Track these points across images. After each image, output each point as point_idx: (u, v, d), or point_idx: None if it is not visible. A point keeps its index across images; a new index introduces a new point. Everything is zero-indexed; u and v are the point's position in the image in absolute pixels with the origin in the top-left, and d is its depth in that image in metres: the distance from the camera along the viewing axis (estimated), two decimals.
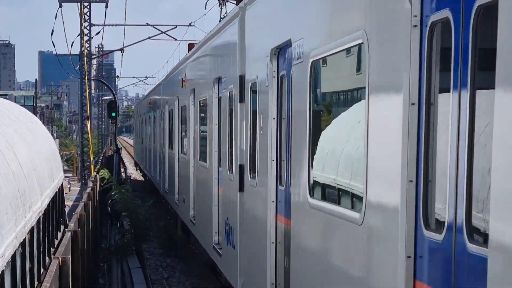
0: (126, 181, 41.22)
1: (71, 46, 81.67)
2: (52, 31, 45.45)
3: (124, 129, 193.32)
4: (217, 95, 14.90)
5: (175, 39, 49.12)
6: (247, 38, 11.81)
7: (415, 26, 5.30)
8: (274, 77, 9.68)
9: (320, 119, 7.89)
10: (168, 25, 48.17)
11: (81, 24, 48.51)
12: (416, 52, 5.33)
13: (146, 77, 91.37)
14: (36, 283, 12.65)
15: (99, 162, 44.10)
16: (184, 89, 21.12)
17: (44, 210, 14.39)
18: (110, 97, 52.53)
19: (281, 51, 9.55)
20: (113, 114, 40.36)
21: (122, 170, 45.28)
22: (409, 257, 5.43)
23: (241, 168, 11.89)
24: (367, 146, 6.18)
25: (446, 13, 4.99)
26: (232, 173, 12.73)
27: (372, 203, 6.10)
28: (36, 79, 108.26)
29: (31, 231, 12.17)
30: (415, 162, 5.38)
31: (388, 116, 5.74)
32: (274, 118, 9.69)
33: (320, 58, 7.52)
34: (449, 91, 4.95)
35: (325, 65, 7.61)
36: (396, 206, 5.56)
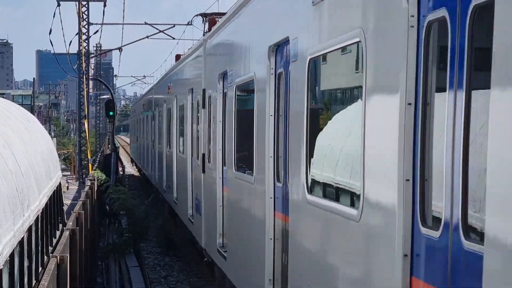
0: (123, 180, 41.20)
1: (69, 45, 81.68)
2: (50, 30, 45.42)
3: (122, 128, 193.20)
4: (191, 102, 19.17)
5: (174, 38, 49.10)
6: (206, 64, 16.18)
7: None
8: (221, 93, 12.81)
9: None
10: (166, 24, 48.29)
11: (79, 23, 48.44)
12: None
13: (144, 76, 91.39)
14: (34, 281, 12.66)
15: (97, 161, 44.10)
16: (170, 95, 25.41)
17: (42, 209, 14.40)
18: (108, 96, 52.50)
19: (225, 75, 13.41)
20: (111, 113, 40.34)
21: (120, 169, 45.25)
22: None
23: (204, 155, 16.26)
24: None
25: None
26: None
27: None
28: (34, 78, 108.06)
29: (29, 230, 12.18)
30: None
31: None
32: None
33: (240, 85, 10.72)
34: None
35: (241, 89, 10.85)
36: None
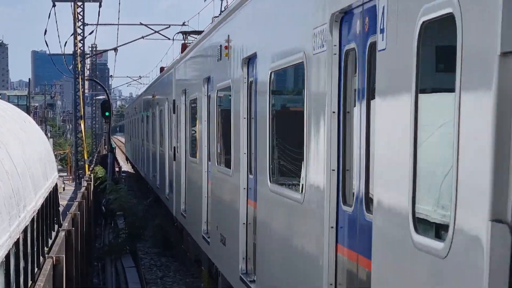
0: (120, 180, 41.19)
1: (65, 46, 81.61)
2: (46, 30, 45.39)
3: (118, 129, 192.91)
4: (167, 108, 23.90)
5: (169, 39, 49.09)
6: (174, 81, 22.19)
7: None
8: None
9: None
10: (161, 25, 48.16)
11: (75, 24, 48.48)
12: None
13: (140, 76, 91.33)
14: (30, 282, 12.65)
15: (93, 162, 44.08)
16: (154, 101, 29.95)
17: (38, 210, 14.39)
18: (103, 96, 52.51)
19: (186, 92, 19.20)
20: (107, 114, 40.34)
21: (117, 169, 45.23)
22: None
23: (174, 149, 21.75)
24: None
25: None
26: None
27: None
28: (29, 79, 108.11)
29: (25, 231, 12.17)
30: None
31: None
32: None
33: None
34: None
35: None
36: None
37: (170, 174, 23.42)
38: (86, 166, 42.11)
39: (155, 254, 25.20)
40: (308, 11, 8.05)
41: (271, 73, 9.61)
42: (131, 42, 51.01)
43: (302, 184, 8.19)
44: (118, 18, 51.70)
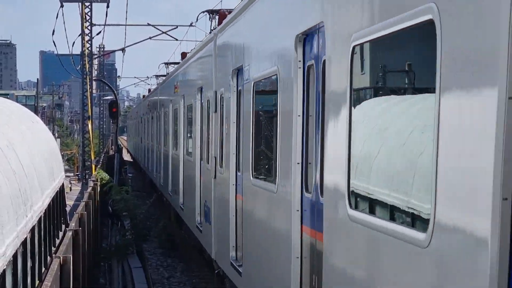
0: (127, 181, 41.25)
1: (72, 46, 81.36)
2: (54, 31, 45.49)
3: (125, 129, 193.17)
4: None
5: (176, 39, 49.12)
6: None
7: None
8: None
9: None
10: (169, 25, 48.19)
11: (82, 24, 48.55)
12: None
13: (147, 77, 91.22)
14: (37, 282, 12.67)
15: (100, 162, 44.12)
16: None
17: (45, 210, 14.42)
18: (111, 97, 52.59)
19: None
20: (114, 114, 40.40)
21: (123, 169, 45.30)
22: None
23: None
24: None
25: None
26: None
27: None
28: (37, 79, 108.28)
29: (32, 231, 12.20)
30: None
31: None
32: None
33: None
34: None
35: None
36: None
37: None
38: (93, 166, 42.14)
39: (161, 255, 25.23)
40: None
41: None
42: (138, 42, 51.06)
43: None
44: (126, 19, 51.76)
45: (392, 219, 6.04)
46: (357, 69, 6.75)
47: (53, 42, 45.77)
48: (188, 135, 21.26)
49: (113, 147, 48.44)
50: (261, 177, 11.14)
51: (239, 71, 13.02)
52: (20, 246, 10.63)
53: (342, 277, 7.12)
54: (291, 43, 8.99)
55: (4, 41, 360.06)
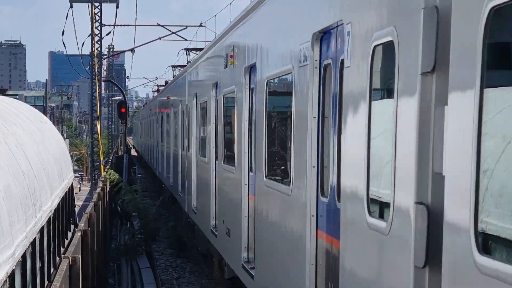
0: (135, 181, 41.26)
1: (82, 47, 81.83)
2: (63, 31, 45.55)
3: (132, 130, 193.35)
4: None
5: (186, 40, 49.12)
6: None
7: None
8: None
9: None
10: (178, 26, 48.18)
11: (92, 25, 48.57)
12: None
13: (156, 77, 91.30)
14: (46, 282, 12.67)
15: (109, 162, 44.15)
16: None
17: (54, 210, 14.42)
18: (120, 97, 52.60)
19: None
20: (123, 115, 40.43)
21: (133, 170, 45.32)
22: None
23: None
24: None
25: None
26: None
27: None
28: (46, 79, 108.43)
29: (41, 231, 12.19)
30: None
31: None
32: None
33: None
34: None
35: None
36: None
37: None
38: (102, 166, 42.16)
39: (170, 255, 25.22)
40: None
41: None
42: (148, 43, 51.11)
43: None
44: (135, 19, 51.81)
45: None
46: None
47: (63, 42, 45.84)
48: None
49: (122, 147, 48.44)
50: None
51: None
52: (29, 246, 10.62)
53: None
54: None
55: (13, 42, 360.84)
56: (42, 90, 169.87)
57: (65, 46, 47.64)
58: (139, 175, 50.29)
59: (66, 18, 45.40)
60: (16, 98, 30.13)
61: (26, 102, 51.63)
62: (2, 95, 26.42)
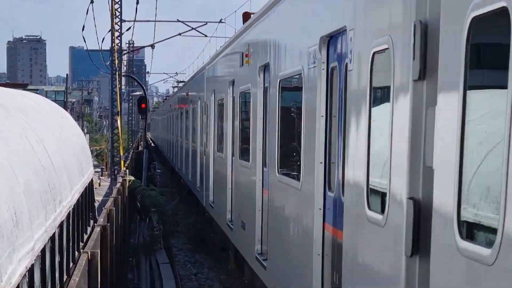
0: (155, 177, 41.30)
1: (102, 42, 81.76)
2: (83, 26, 45.68)
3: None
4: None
5: (206, 36, 49.15)
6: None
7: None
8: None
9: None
10: (198, 21, 48.27)
11: (112, 20, 48.63)
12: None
13: (176, 73, 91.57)
14: (65, 277, 12.72)
15: (129, 158, 44.24)
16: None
17: (74, 205, 14.46)
18: (140, 92, 52.73)
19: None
20: (144, 110, 40.49)
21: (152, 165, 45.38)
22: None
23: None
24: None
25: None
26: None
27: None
28: (67, 74, 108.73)
29: (60, 226, 12.24)
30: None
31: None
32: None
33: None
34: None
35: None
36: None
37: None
38: (122, 162, 42.26)
39: (189, 251, 25.25)
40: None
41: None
42: (168, 38, 51.17)
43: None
44: (155, 15, 51.85)
45: None
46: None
47: (83, 37, 45.96)
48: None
49: (142, 142, 48.54)
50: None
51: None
52: (48, 241, 10.66)
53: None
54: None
55: (34, 37, 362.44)
56: (63, 85, 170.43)
57: (85, 41, 47.77)
58: (159, 171, 50.35)
59: (87, 14, 45.35)
60: (37, 93, 30.23)
61: (46, 97, 51.82)
62: (23, 89, 26.51)
